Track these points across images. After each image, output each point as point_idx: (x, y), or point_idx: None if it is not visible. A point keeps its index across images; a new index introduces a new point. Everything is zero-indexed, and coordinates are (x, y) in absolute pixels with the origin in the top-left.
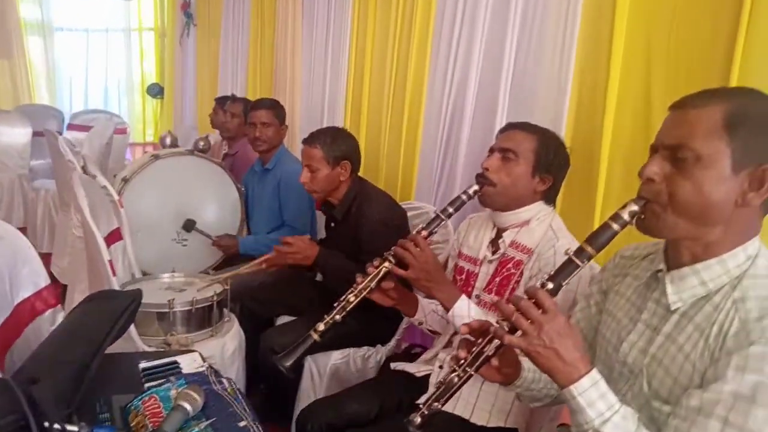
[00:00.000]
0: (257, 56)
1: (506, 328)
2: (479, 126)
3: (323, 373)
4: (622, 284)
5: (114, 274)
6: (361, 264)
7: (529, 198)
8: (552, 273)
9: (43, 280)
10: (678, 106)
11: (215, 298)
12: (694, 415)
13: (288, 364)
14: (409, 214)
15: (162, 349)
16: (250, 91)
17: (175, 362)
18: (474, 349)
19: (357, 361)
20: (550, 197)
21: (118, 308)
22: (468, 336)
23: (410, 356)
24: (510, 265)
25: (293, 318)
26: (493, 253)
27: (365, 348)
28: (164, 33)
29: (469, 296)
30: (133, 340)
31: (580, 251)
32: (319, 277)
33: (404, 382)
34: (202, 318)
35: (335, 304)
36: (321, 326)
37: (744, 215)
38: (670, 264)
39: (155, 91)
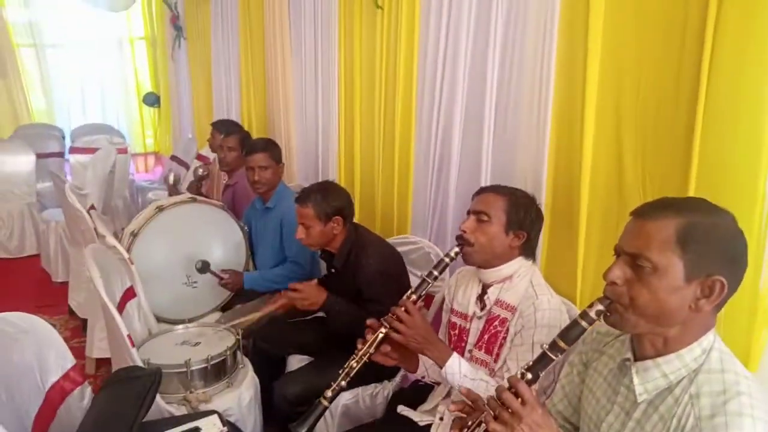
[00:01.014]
0: (248, 69)
1: (491, 416)
2: (466, 169)
3: (335, 413)
4: (599, 362)
5: (133, 345)
6: (364, 310)
7: (507, 254)
8: (530, 364)
9: (69, 362)
10: (638, 214)
11: (228, 352)
12: None
13: (303, 431)
14: (406, 248)
15: (183, 405)
16: (244, 104)
17: (197, 428)
18: (465, 431)
19: (366, 399)
20: (528, 252)
21: (142, 390)
22: (459, 414)
23: (417, 392)
24: (496, 323)
25: (303, 359)
26: (481, 309)
27: (372, 385)
28: (155, 42)
29: (463, 351)
30: (156, 403)
31: (553, 346)
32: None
33: (408, 430)
34: (219, 370)
35: (340, 371)
36: (329, 393)
37: (698, 317)
38: (636, 354)
39: (152, 100)
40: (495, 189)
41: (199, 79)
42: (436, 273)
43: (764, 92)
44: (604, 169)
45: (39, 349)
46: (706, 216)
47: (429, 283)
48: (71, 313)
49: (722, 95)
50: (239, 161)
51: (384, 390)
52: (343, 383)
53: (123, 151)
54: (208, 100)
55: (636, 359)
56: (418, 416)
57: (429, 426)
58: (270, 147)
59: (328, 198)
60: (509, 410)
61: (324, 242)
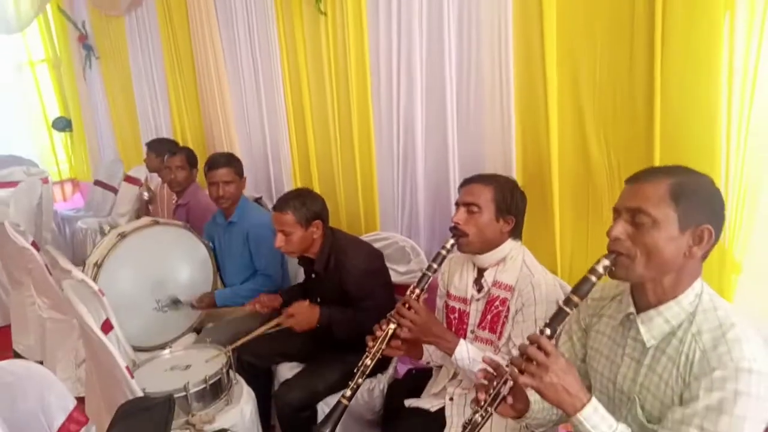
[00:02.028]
0: (177, 83)
1: (517, 371)
2: (433, 163)
3: None
4: (599, 324)
5: (132, 376)
6: (359, 310)
7: (499, 239)
8: (548, 321)
9: (71, 402)
10: (633, 180)
11: (223, 370)
12: (677, 425)
13: (327, 431)
14: (379, 245)
15: (186, 430)
16: (175, 120)
17: None
18: (491, 391)
19: (364, 394)
20: (516, 233)
21: (160, 420)
22: (483, 381)
23: (413, 382)
24: (497, 303)
25: (294, 366)
26: (479, 291)
27: (368, 380)
28: (58, 64)
29: (465, 333)
30: None
31: (568, 301)
32: None
33: (422, 419)
34: (216, 389)
35: (355, 371)
36: (348, 392)
37: (690, 264)
38: (638, 307)
39: (62, 124)
40: (479, 179)
41: (117, 100)
42: (435, 266)
43: (717, 56)
44: (571, 147)
45: (40, 393)
46: (692, 177)
47: (430, 276)
48: (17, 357)
49: (676, 64)
50: (190, 178)
51: (379, 383)
52: (360, 381)
53: (45, 180)
54: (132, 120)
55: (639, 312)
56: (428, 403)
57: (440, 411)
58: (232, 162)
59: (307, 203)
60: (535, 363)
61: (304, 248)
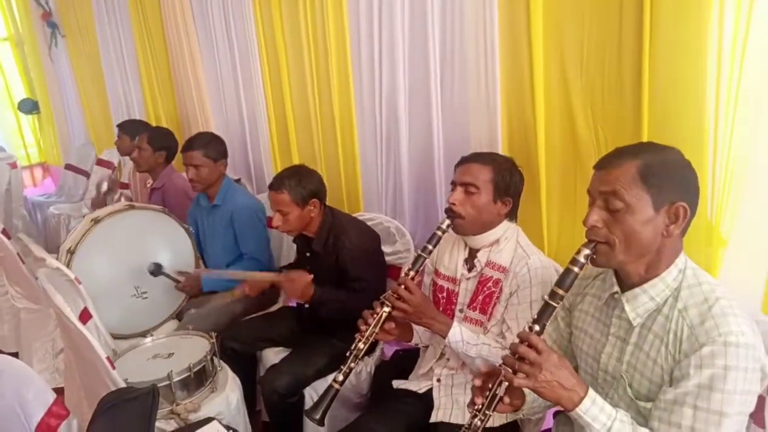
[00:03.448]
0: (148, 63)
1: (511, 371)
2: (417, 143)
3: None
4: (583, 303)
5: (113, 367)
6: (351, 291)
7: (495, 220)
8: (535, 317)
9: (50, 395)
10: (600, 166)
11: (207, 357)
12: (671, 405)
13: (318, 416)
14: None
15: (171, 419)
16: (147, 101)
17: None
18: (487, 393)
19: (351, 378)
20: (512, 214)
21: (144, 411)
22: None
23: (401, 363)
24: (490, 284)
25: (279, 351)
26: (469, 270)
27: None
28: (21, 42)
29: (453, 312)
30: None
31: (553, 294)
32: (292, 302)
33: (411, 400)
34: (200, 377)
35: (347, 354)
36: (340, 377)
37: (670, 241)
38: (623, 286)
39: (28, 106)
40: (477, 158)
41: (86, 80)
42: (430, 247)
43: (705, 30)
44: (558, 124)
45: (18, 388)
46: (658, 154)
47: (425, 258)
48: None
49: (665, 37)
50: (153, 160)
51: (366, 366)
52: (353, 365)
53: (14, 165)
54: (102, 100)
55: (623, 291)
56: (416, 385)
57: (429, 393)
58: (208, 144)
59: (303, 182)
60: (527, 362)
61: (302, 227)
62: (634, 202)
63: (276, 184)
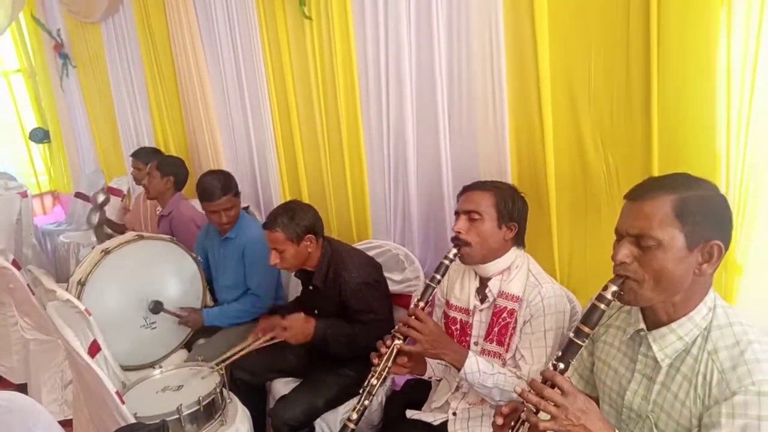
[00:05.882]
0: (157, 91)
1: (534, 410)
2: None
3: (334, 429)
4: (607, 335)
5: (122, 402)
6: (357, 323)
7: (502, 247)
8: (559, 354)
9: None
10: (633, 198)
11: (217, 389)
12: None
13: None
14: (371, 253)
15: None
16: (157, 129)
17: None
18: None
19: None
20: (519, 240)
21: None
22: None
23: (413, 394)
24: (505, 314)
25: (289, 382)
26: (482, 301)
27: None
28: (34, 74)
29: (468, 344)
30: None
31: (578, 332)
32: None
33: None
34: (210, 410)
35: (360, 390)
36: (354, 415)
37: (701, 279)
38: (649, 324)
39: (40, 136)
40: (479, 186)
41: (96, 109)
42: (439, 277)
43: (714, 55)
44: (567, 150)
45: (26, 423)
46: (695, 189)
47: (434, 288)
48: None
49: (673, 63)
50: (161, 186)
51: (377, 396)
52: (367, 402)
53: (24, 194)
54: (112, 129)
55: (649, 329)
56: (430, 417)
57: (443, 425)
58: (228, 186)
59: (296, 218)
60: (553, 404)
61: (300, 263)
62: (667, 239)
63: (269, 223)
